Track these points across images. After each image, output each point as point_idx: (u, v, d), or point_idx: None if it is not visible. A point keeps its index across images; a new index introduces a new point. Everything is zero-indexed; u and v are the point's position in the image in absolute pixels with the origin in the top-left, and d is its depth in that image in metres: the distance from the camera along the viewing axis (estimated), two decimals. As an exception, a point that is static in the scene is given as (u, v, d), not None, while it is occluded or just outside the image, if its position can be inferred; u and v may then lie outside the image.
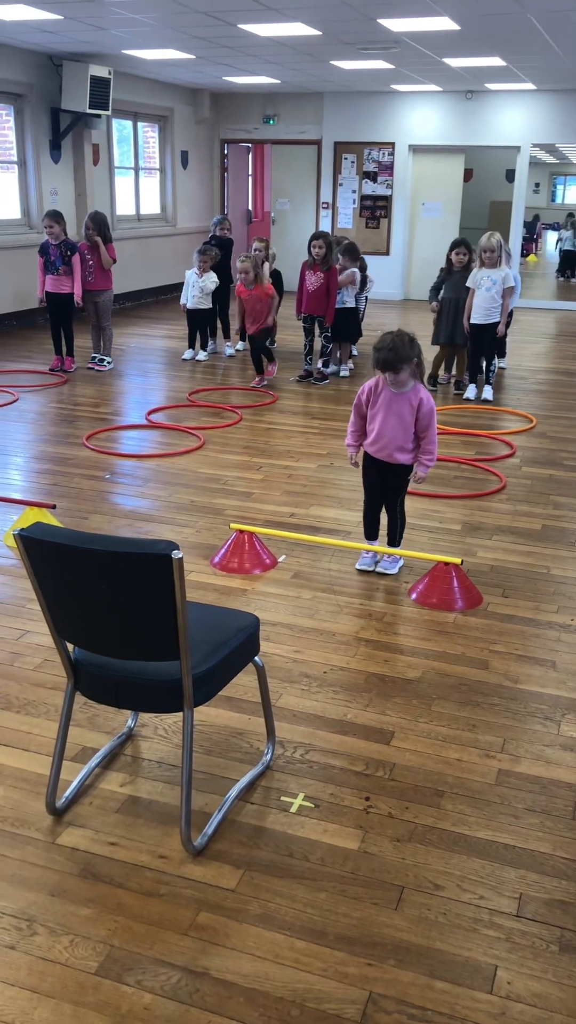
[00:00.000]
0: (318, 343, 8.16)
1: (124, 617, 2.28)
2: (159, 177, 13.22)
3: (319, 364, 8.15)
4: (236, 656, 2.54)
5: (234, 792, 2.62)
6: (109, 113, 10.72)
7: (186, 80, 12.33)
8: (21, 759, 2.78)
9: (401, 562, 4.18)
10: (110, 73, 10.38)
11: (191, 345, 9.06)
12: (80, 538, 2.21)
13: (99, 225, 8.11)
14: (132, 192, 12.61)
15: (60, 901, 2.24)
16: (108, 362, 8.46)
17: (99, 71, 10.20)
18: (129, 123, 12.38)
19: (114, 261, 8.19)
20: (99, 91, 10.28)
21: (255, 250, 8.54)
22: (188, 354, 9.09)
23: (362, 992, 2.01)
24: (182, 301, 8.81)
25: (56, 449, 6.00)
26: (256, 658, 2.68)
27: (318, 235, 7.77)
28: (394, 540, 4.19)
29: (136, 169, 12.67)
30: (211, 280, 8.62)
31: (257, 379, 7.91)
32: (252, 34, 8.53)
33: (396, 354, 3.77)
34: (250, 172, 15.71)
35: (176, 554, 2.13)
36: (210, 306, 8.78)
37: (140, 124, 12.63)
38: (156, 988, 2.01)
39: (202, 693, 2.41)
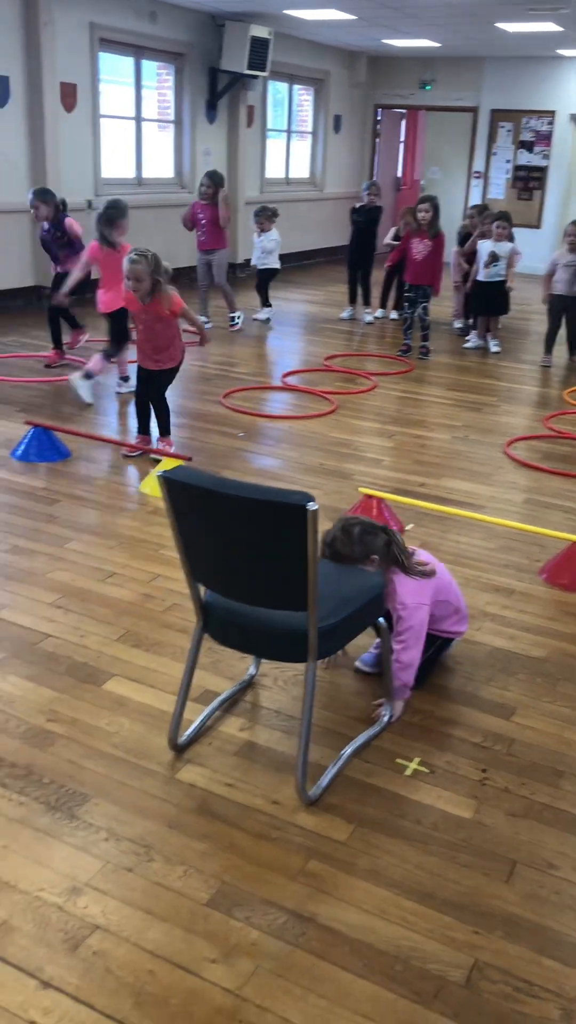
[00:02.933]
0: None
1: (256, 564, 2.31)
2: (310, 141, 13.16)
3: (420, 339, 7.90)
4: (362, 614, 2.54)
5: (350, 749, 2.63)
6: (266, 75, 10.72)
7: (344, 42, 12.18)
8: (146, 695, 2.88)
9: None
10: (270, 34, 10.36)
11: (351, 302, 9.28)
12: (220, 483, 2.25)
13: (217, 183, 8.15)
14: (283, 155, 12.60)
15: (176, 833, 2.32)
16: (235, 319, 8.55)
17: (259, 31, 10.20)
18: (284, 85, 12.35)
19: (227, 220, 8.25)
20: (258, 52, 10.28)
21: (139, 256, 4.58)
22: (345, 313, 9.33)
23: (468, 958, 2.00)
24: (253, 261, 8.92)
25: (193, 405, 6.11)
26: (381, 619, 2.67)
27: (425, 198, 7.57)
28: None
29: (288, 132, 12.65)
30: (269, 239, 8.60)
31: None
32: (417, -6, 8.33)
33: (339, 554, 2.70)
34: (401, 138, 15.43)
35: (311, 506, 2.14)
36: (274, 265, 8.78)
37: (295, 87, 12.57)
38: (264, 926, 2.05)
39: (327, 646, 2.42)
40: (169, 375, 5.01)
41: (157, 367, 4.91)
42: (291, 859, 2.25)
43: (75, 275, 6.16)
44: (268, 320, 8.89)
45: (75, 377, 5.89)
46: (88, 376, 5.88)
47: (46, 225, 6.72)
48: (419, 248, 7.63)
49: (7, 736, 2.63)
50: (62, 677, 2.94)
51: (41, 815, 2.34)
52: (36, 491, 4.48)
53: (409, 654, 2.76)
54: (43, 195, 6.68)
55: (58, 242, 6.74)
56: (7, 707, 2.77)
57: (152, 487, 4.55)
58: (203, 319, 8.49)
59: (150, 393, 5.02)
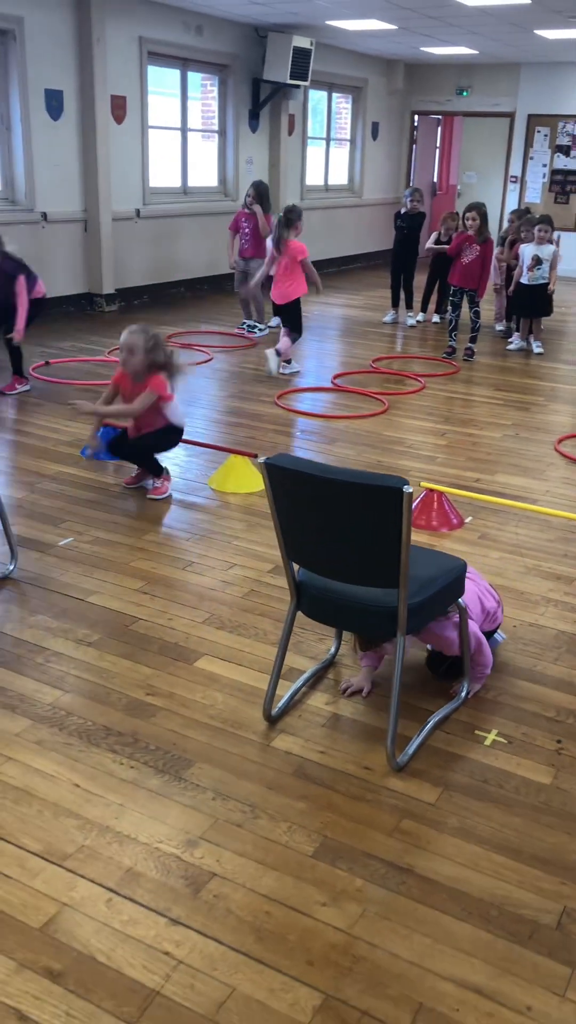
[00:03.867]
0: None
1: (352, 544, 2.49)
2: (348, 148, 13.36)
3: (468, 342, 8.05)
4: (444, 594, 2.71)
5: (432, 721, 2.80)
6: (307, 84, 10.94)
7: (382, 51, 12.37)
8: (235, 672, 3.06)
9: None
10: (312, 44, 10.58)
11: (394, 306, 9.47)
12: (320, 468, 2.43)
13: (260, 195, 8.36)
14: (322, 162, 12.82)
15: (277, 794, 2.50)
16: (261, 329, 8.66)
17: (301, 42, 10.42)
18: (324, 94, 12.57)
19: (270, 231, 8.40)
20: (300, 62, 10.50)
21: (138, 329, 4.48)
22: (388, 316, 9.52)
23: (557, 905, 2.16)
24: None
25: (249, 406, 6.32)
26: (460, 600, 2.84)
27: (471, 207, 7.71)
28: None
29: (327, 140, 12.87)
30: None
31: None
32: (459, 3, 8.50)
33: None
34: (437, 144, 15.59)
35: (407, 489, 2.32)
36: None
37: (334, 95, 12.79)
38: (366, 875, 2.23)
39: (414, 623, 2.60)
40: (154, 440, 4.58)
41: (136, 433, 4.58)
42: (385, 818, 2.43)
43: (263, 270, 7.38)
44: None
45: (270, 352, 7.02)
46: (278, 353, 7.01)
47: None
48: (467, 252, 7.76)
49: (111, 708, 2.83)
50: (155, 656, 3.14)
51: (151, 777, 2.53)
52: (109, 487, 4.69)
53: (481, 653, 2.93)
54: None
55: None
56: (108, 682, 2.97)
57: (220, 482, 4.75)
58: (249, 324, 8.69)
59: (133, 450, 4.62)
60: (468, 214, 7.72)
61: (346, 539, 2.49)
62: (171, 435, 4.67)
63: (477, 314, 7.94)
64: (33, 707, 2.82)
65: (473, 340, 8.00)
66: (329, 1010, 1.87)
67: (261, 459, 2.51)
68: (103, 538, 4.06)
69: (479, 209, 7.73)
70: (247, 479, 4.74)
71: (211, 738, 2.71)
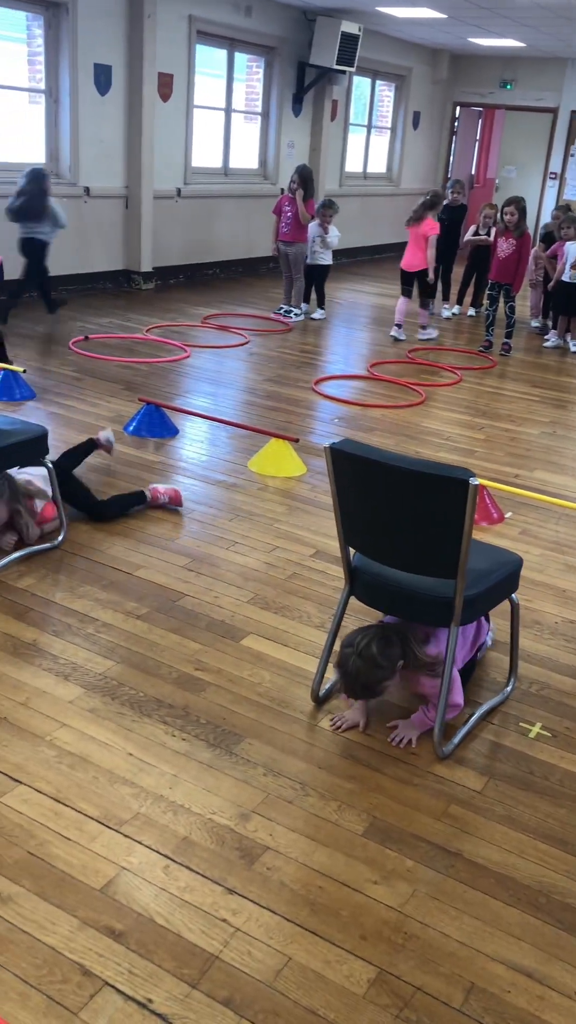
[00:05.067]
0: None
1: (414, 532, 2.52)
2: (389, 136, 13.30)
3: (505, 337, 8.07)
4: (500, 587, 2.74)
5: (479, 712, 2.84)
6: (353, 70, 10.89)
7: (428, 39, 12.29)
8: (281, 652, 3.11)
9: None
10: (360, 30, 10.52)
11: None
12: (386, 455, 2.46)
13: (304, 179, 8.33)
14: (362, 149, 12.77)
15: (326, 774, 2.54)
16: (296, 313, 8.66)
17: (350, 28, 10.37)
18: (367, 80, 12.51)
19: (311, 218, 8.39)
20: (347, 48, 10.45)
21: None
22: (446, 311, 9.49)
23: (604, 896, 2.20)
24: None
25: (287, 391, 6.34)
26: (513, 595, 2.87)
27: (510, 201, 7.68)
28: None
29: (368, 127, 12.81)
30: (334, 235, 8.61)
31: None
32: (513, -5, 8.44)
33: (369, 685, 2.61)
34: (477, 136, 15.50)
35: (474, 481, 2.35)
36: (329, 262, 8.74)
37: (378, 82, 12.72)
38: (416, 857, 2.27)
39: (468, 614, 2.63)
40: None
41: None
42: (433, 803, 2.47)
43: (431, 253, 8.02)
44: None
45: (421, 332, 8.20)
46: (424, 326, 8.26)
47: None
48: (504, 246, 7.75)
49: (162, 681, 2.88)
50: (203, 632, 3.18)
51: (203, 750, 2.58)
52: (152, 464, 4.73)
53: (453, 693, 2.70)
54: None
55: None
56: (157, 655, 3.02)
57: (260, 465, 4.78)
58: (286, 308, 8.71)
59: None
60: (507, 208, 7.68)
61: (407, 527, 2.52)
62: None
63: (512, 309, 7.93)
64: (85, 676, 2.86)
65: (509, 336, 7.99)
66: (383, 984, 1.92)
67: (327, 443, 2.54)
68: (148, 514, 4.10)
69: (518, 203, 7.68)
70: (287, 463, 4.77)
71: (259, 715, 2.76)
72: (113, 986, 1.86)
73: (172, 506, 4.18)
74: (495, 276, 7.91)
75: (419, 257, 8.06)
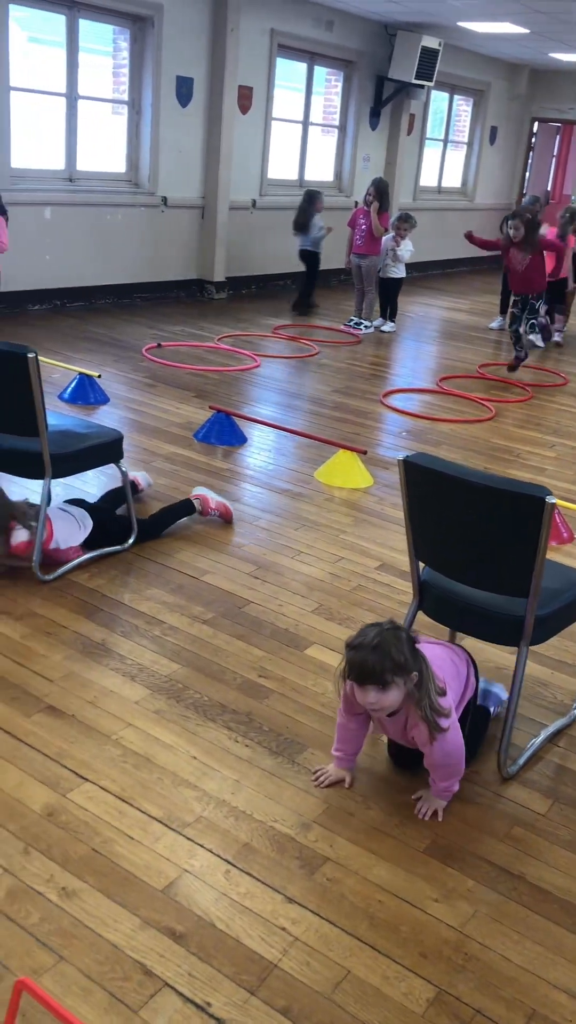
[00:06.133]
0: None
1: (487, 549, 2.50)
2: (465, 151, 13.25)
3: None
4: (571, 608, 2.70)
5: (545, 734, 2.80)
6: (432, 84, 10.88)
7: (508, 55, 12.22)
8: (345, 664, 3.10)
9: None
10: (440, 45, 10.51)
11: (502, 312, 9.32)
12: (461, 470, 2.45)
13: (380, 192, 8.33)
14: (437, 164, 12.74)
15: (387, 788, 2.53)
16: (367, 326, 8.65)
17: (430, 42, 10.37)
18: (446, 95, 12.48)
19: (385, 231, 8.38)
20: (427, 62, 10.45)
21: None
22: (495, 323, 9.44)
23: None
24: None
25: (355, 403, 6.34)
26: (581, 617, 2.82)
27: (515, 213, 7.25)
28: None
29: (445, 141, 12.78)
30: (407, 248, 8.58)
31: None
32: (598, 11, 8.35)
33: (382, 662, 2.24)
34: (555, 153, 15.34)
35: (550, 499, 2.32)
36: (400, 275, 8.71)
37: (456, 97, 12.68)
38: (477, 877, 2.24)
39: (539, 633, 2.59)
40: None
41: None
42: (496, 823, 2.44)
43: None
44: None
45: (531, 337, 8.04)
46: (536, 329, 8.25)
47: None
48: (518, 259, 7.20)
49: (226, 686, 2.90)
50: (267, 640, 3.20)
51: (265, 757, 2.59)
52: (221, 471, 4.78)
53: (450, 779, 2.47)
54: None
55: None
56: (222, 660, 3.04)
57: (327, 476, 4.79)
58: (356, 320, 8.71)
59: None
60: (511, 223, 7.13)
61: (480, 543, 2.49)
62: None
63: (532, 326, 7.73)
64: (152, 677, 2.90)
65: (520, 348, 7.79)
66: (442, 1004, 1.90)
67: (401, 456, 2.54)
68: (213, 521, 4.13)
69: (523, 217, 7.09)
70: (354, 474, 4.77)
71: (323, 726, 2.75)
72: (173, 987, 1.87)
73: (223, 519, 4.12)
74: (516, 289, 7.51)
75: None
